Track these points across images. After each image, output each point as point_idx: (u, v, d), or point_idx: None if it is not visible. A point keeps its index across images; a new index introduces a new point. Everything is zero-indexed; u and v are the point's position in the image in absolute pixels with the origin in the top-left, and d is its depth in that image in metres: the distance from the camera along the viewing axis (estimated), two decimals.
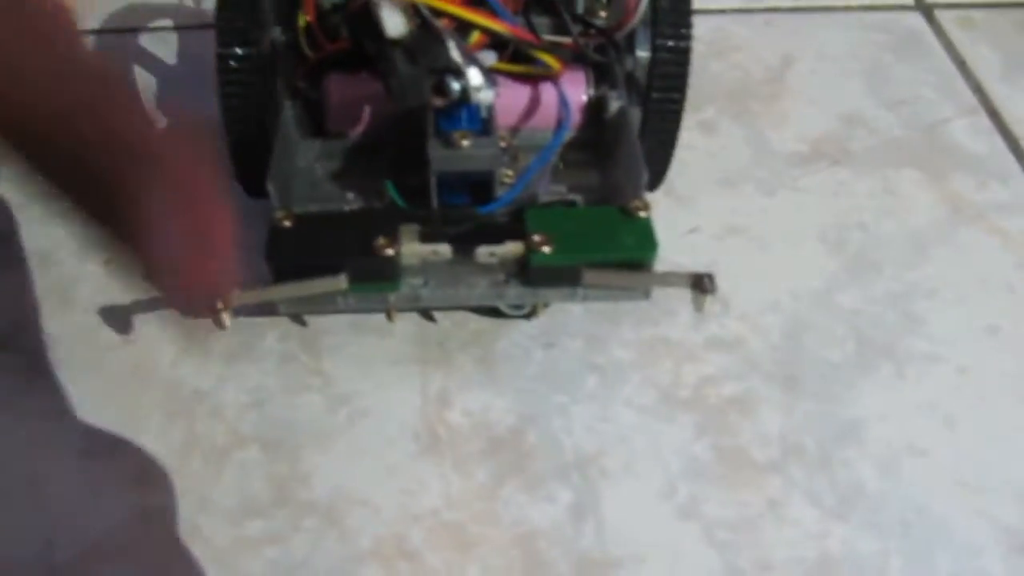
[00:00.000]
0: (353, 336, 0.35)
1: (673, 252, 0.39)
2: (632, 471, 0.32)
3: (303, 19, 0.34)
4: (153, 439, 0.33)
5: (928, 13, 0.53)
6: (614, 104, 0.35)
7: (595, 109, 0.36)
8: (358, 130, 0.36)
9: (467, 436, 0.33)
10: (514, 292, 0.32)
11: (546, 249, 0.30)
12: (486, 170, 0.31)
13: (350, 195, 0.34)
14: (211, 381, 0.34)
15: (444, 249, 0.31)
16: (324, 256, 0.31)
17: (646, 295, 0.32)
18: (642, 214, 0.31)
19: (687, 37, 0.34)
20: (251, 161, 0.34)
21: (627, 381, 0.34)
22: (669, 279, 0.31)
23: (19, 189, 0.40)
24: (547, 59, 0.34)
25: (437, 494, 0.31)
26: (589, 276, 0.30)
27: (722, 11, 0.52)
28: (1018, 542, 0.31)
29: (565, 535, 0.30)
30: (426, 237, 0.31)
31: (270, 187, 0.31)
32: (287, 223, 0.31)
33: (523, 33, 0.34)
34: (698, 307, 0.29)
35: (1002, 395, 0.35)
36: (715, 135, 0.45)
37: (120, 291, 0.37)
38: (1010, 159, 0.44)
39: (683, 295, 0.37)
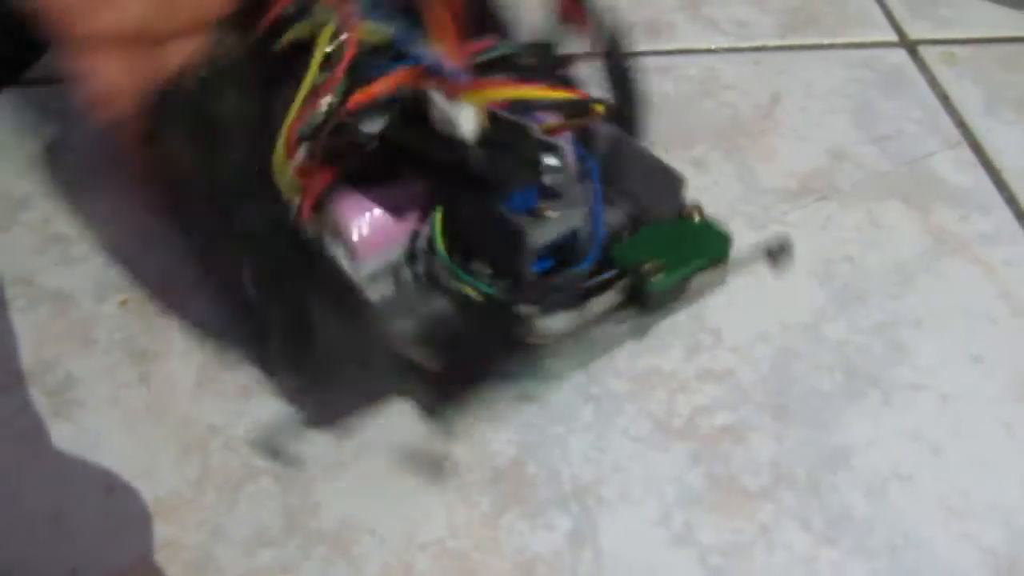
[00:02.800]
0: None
1: None
2: (628, 499, 0.33)
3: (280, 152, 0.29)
4: (169, 472, 0.34)
5: (912, 50, 0.55)
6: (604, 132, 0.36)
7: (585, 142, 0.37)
8: (392, 248, 0.34)
9: (470, 467, 0.34)
10: (636, 325, 0.34)
11: (659, 276, 0.32)
12: (576, 227, 0.32)
13: (438, 304, 0.34)
14: (226, 417, 0.36)
15: (574, 318, 0.32)
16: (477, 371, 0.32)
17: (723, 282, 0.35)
18: (697, 218, 0.35)
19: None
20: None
21: (622, 412, 0.36)
22: (747, 260, 0.35)
23: (38, 232, 0.42)
24: (596, 107, 0.35)
25: (442, 523, 0.33)
26: (694, 285, 0.33)
27: (712, 51, 0.54)
28: (1003, 564, 0.32)
29: (564, 562, 0.32)
30: (549, 313, 0.32)
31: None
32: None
33: (579, 92, 0.35)
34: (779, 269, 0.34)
35: (986, 422, 0.36)
36: (706, 172, 0.46)
37: (136, 331, 0.39)
38: (992, 191, 0.45)
39: (675, 329, 0.39)
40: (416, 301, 0.34)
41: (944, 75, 0.53)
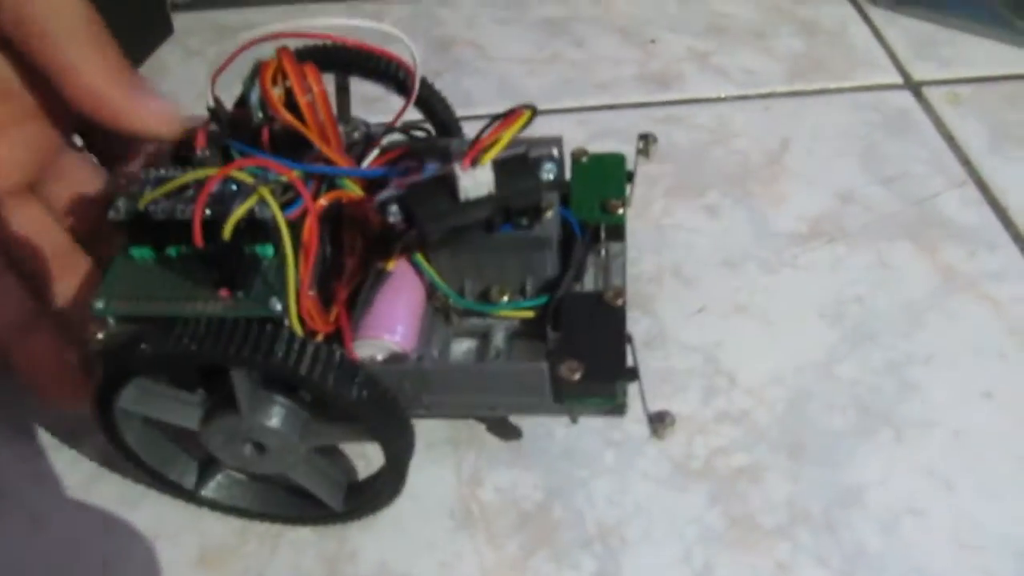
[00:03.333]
0: None
1: (682, 332, 0.42)
2: (650, 539, 0.35)
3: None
4: (214, 522, 0.36)
5: (917, 91, 0.56)
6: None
7: None
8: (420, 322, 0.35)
9: (498, 511, 0.36)
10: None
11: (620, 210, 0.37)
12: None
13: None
14: None
15: None
16: None
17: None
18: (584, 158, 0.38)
19: None
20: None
21: (643, 455, 0.37)
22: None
23: None
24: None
25: (472, 566, 0.34)
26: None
27: (722, 99, 0.56)
28: None
29: None
30: None
31: None
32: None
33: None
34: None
35: (997, 457, 0.37)
36: (718, 218, 0.48)
37: None
38: (999, 228, 0.47)
39: (693, 370, 0.40)
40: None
41: (949, 115, 0.54)
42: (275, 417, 0.31)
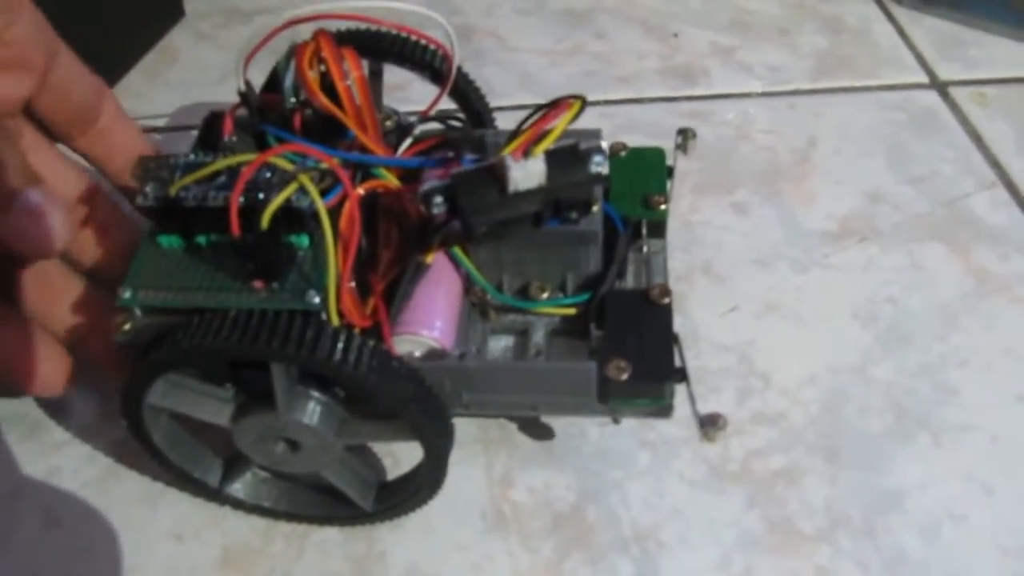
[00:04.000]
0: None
1: (715, 332, 0.41)
2: (688, 543, 0.34)
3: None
4: (237, 522, 0.35)
5: (943, 91, 0.56)
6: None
7: None
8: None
9: (531, 513, 0.35)
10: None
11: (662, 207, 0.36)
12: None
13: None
14: None
15: None
16: None
17: None
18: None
19: None
20: None
21: (678, 456, 0.37)
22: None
23: None
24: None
25: (506, 569, 0.33)
26: None
27: (748, 95, 0.56)
28: None
29: None
30: None
31: None
32: None
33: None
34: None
35: None
36: (748, 216, 0.47)
37: None
38: None
39: (728, 370, 0.40)
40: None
41: (975, 115, 0.54)
42: (313, 414, 0.30)
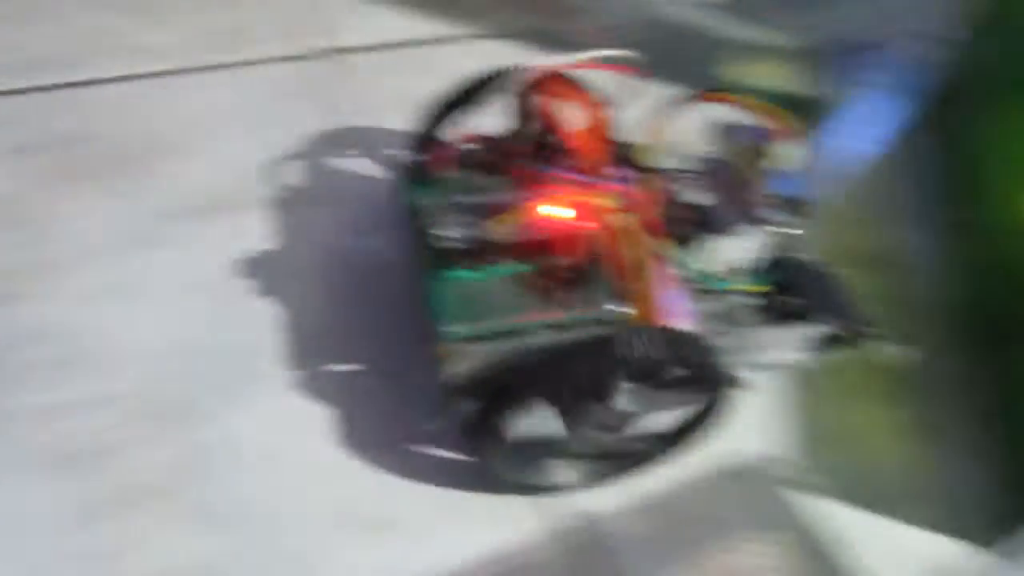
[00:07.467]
0: None
1: (59, 319, 0.51)
2: None
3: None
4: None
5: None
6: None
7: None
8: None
9: None
10: None
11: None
12: None
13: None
14: None
15: None
16: None
17: None
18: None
19: None
20: None
21: None
22: None
23: None
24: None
25: None
26: None
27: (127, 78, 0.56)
28: None
29: None
30: None
31: None
32: None
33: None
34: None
35: None
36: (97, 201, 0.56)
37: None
38: None
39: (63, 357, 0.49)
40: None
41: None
42: (639, 402, 0.37)
